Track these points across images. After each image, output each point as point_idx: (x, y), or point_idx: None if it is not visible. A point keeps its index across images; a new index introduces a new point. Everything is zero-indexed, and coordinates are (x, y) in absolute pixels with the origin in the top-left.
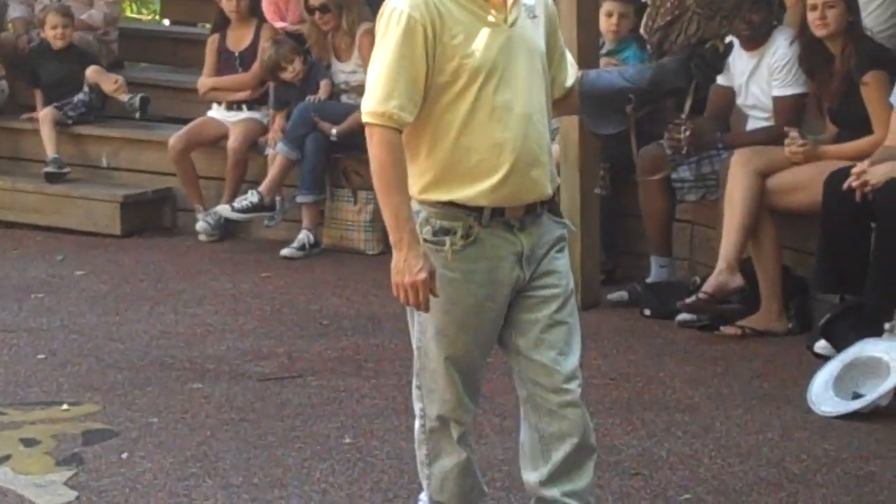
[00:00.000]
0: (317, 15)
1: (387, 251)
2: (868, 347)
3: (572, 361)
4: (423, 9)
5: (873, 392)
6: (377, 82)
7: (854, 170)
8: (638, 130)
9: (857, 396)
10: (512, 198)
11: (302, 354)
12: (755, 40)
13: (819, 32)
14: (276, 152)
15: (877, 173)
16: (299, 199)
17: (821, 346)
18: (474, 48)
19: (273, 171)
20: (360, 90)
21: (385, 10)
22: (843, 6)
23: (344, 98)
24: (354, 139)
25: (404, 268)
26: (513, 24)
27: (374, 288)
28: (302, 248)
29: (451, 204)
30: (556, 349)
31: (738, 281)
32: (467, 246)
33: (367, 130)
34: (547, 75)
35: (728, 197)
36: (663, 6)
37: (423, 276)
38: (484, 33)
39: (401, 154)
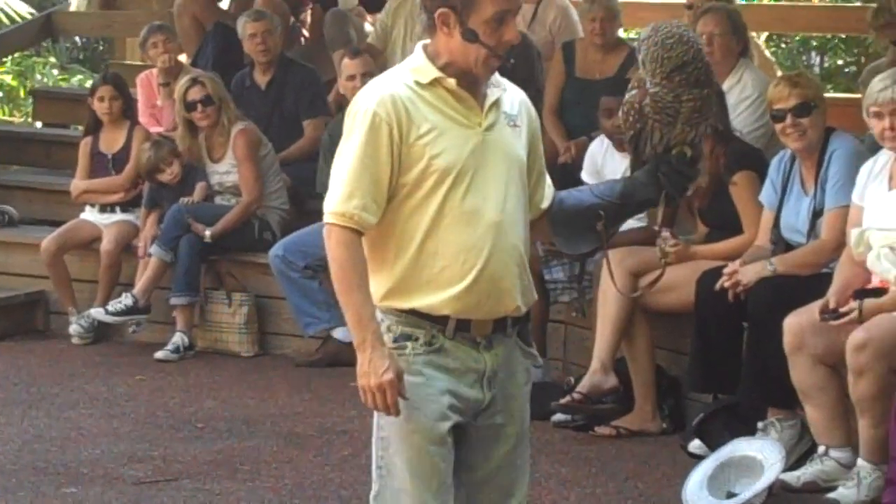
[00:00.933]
0: (198, 109)
1: (262, 353)
2: (741, 446)
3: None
4: (390, 107)
5: (747, 491)
6: (339, 181)
7: (726, 270)
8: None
9: (731, 495)
10: (478, 309)
11: (177, 457)
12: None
13: None
14: (150, 254)
15: (748, 273)
16: (173, 301)
17: (695, 445)
18: (442, 149)
19: (147, 273)
20: (234, 190)
21: (352, 107)
22: None
23: (218, 199)
24: (229, 241)
25: (370, 370)
26: (488, 129)
27: (249, 390)
28: (176, 350)
29: (413, 312)
30: (502, 491)
31: (612, 381)
32: (430, 353)
33: (326, 230)
34: (526, 187)
35: (601, 297)
36: (626, 120)
37: (389, 376)
38: (454, 134)
39: (360, 254)
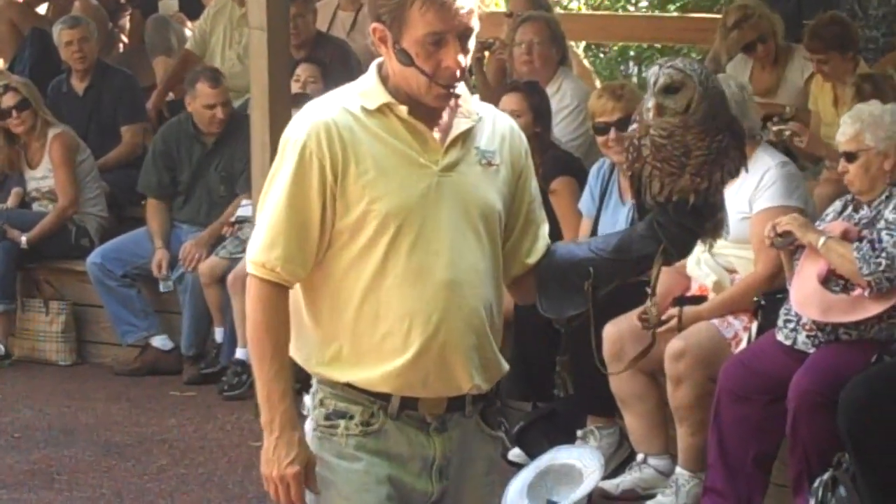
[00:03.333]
0: (13, 115)
1: (80, 361)
2: (561, 454)
3: None
4: (324, 138)
5: (566, 499)
6: (262, 225)
7: None
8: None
9: None
10: (423, 387)
11: None
12: None
13: None
14: None
15: None
16: None
17: (514, 453)
18: (386, 191)
19: None
20: (51, 196)
21: (283, 136)
22: (529, 116)
23: (36, 206)
24: (45, 247)
25: (273, 457)
26: (448, 168)
27: (66, 399)
28: None
29: (349, 386)
30: None
31: None
32: (368, 435)
33: (247, 281)
34: (495, 238)
35: None
36: (626, 158)
37: (293, 469)
38: (402, 174)
39: (280, 314)
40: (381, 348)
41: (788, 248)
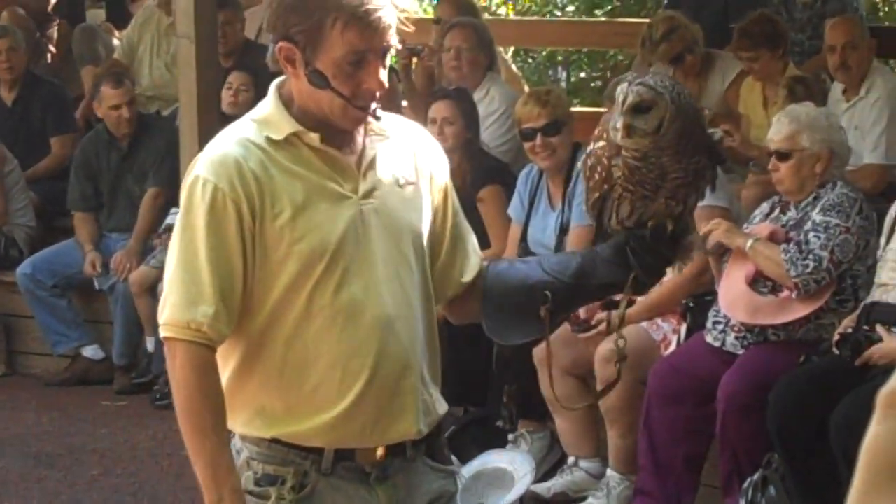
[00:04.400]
0: None
1: (10, 372)
2: (492, 459)
3: None
4: (236, 177)
5: (498, 503)
6: (179, 281)
7: None
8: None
9: None
10: (361, 437)
11: None
12: None
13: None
14: None
15: None
16: None
17: None
18: (307, 230)
19: None
20: None
21: (186, 178)
22: (461, 123)
23: None
24: None
25: None
26: (368, 195)
27: None
28: None
29: (277, 442)
30: None
31: None
32: (302, 500)
33: (166, 347)
34: (424, 264)
35: None
36: (592, 177)
37: None
38: (322, 208)
39: (214, 380)
40: (311, 400)
41: (717, 252)
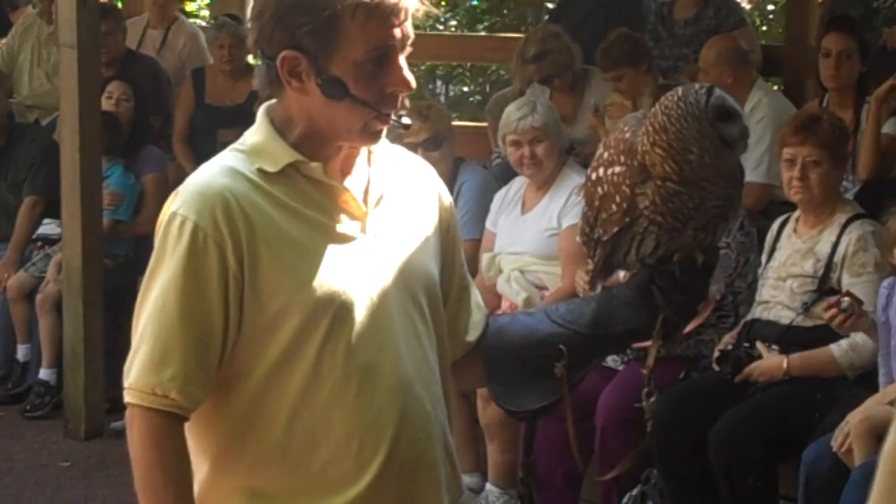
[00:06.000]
0: None
1: None
2: None
3: None
4: (221, 215)
5: None
6: (146, 337)
7: None
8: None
9: None
10: None
11: None
12: None
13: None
14: None
15: None
16: None
17: None
18: (310, 275)
19: None
20: None
21: (163, 218)
22: None
23: None
24: None
25: None
26: (377, 235)
27: None
28: None
29: None
30: None
31: None
32: None
33: (127, 414)
34: (440, 316)
35: None
36: (606, 208)
37: None
38: (327, 251)
39: (180, 452)
40: (322, 479)
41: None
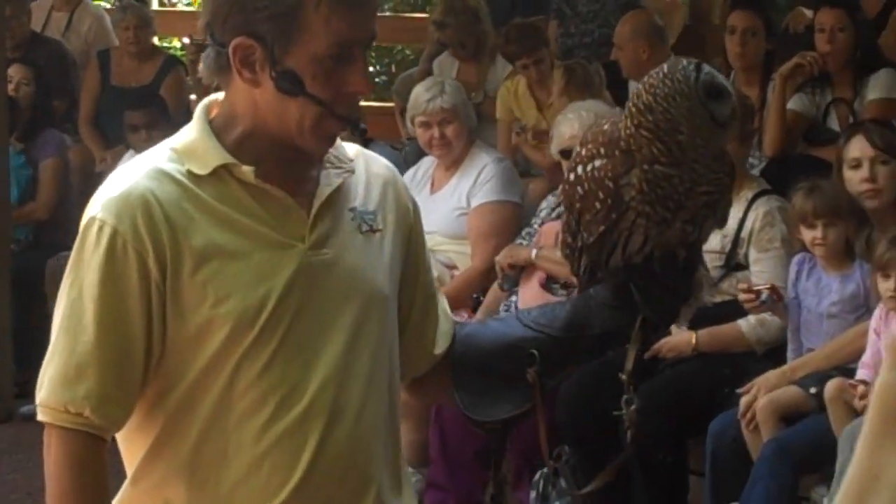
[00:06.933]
0: None
1: None
2: None
3: None
4: (142, 220)
5: None
6: (58, 350)
7: None
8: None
9: None
10: None
11: None
12: None
13: None
14: None
15: None
16: None
17: None
18: (236, 286)
19: None
20: None
21: (83, 222)
22: None
23: None
24: None
25: None
26: (317, 246)
27: None
28: None
29: None
30: None
31: None
32: None
33: (45, 433)
34: (391, 335)
35: None
36: (590, 207)
37: None
38: (258, 260)
39: (98, 475)
40: (230, 501)
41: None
